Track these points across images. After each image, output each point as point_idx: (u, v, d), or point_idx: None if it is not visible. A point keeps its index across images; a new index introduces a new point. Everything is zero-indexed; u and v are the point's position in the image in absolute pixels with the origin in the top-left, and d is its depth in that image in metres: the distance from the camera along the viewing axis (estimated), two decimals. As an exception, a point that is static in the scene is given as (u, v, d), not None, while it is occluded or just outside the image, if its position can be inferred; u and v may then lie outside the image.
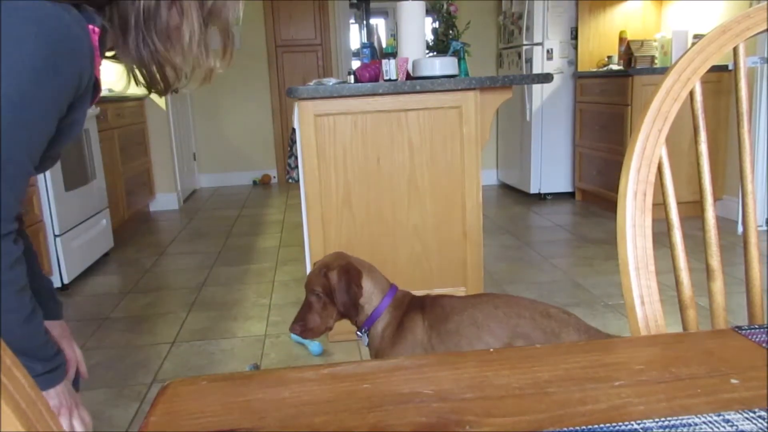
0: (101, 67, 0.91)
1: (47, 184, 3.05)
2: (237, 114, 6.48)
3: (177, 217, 5.06)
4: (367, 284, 1.60)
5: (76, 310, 2.97)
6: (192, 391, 0.55)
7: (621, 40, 4.75)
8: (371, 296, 1.60)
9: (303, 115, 2.31)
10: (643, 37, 4.69)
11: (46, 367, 0.87)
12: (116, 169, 4.24)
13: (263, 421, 0.50)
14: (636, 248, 0.75)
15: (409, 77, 2.49)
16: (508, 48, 5.39)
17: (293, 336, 2.48)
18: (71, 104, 0.82)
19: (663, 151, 0.78)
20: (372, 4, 6.73)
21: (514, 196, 5.36)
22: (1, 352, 0.35)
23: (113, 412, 2.00)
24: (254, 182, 6.58)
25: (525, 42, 4.98)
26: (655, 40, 4.56)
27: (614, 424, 0.47)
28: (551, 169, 5.10)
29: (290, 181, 2.54)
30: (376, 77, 2.50)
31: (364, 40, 6.66)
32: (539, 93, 4.99)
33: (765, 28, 0.79)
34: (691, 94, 0.80)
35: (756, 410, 0.48)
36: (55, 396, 0.90)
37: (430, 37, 3.18)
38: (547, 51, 4.89)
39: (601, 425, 0.47)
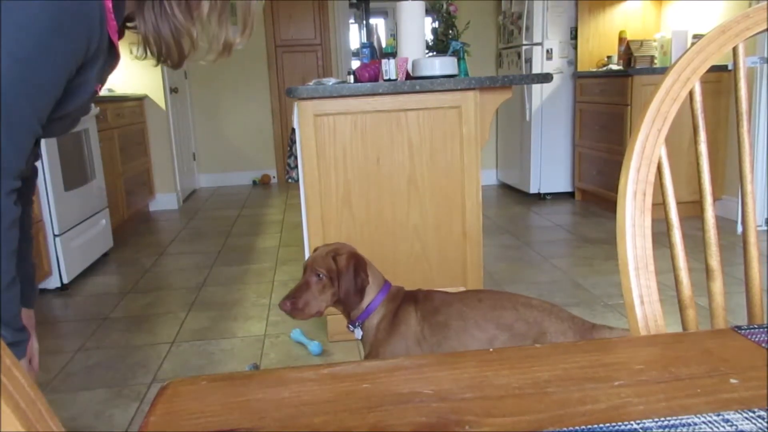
0: (121, 37, 0.91)
1: (47, 183, 3.05)
2: (237, 114, 6.48)
3: (177, 217, 5.05)
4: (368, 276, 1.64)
5: (75, 310, 2.97)
6: (191, 391, 0.55)
7: (620, 40, 4.75)
8: (369, 289, 1.63)
9: (303, 115, 2.31)
10: (642, 37, 4.69)
11: (15, 337, 0.87)
12: (116, 168, 4.24)
13: (263, 421, 0.50)
14: (635, 248, 0.75)
15: (408, 77, 2.49)
16: (508, 48, 5.39)
17: (293, 336, 2.47)
18: (80, 66, 0.81)
19: (663, 151, 0.78)
20: (372, 4, 6.73)
21: (513, 196, 5.36)
22: (1, 352, 0.35)
23: (113, 412, 2.00)
24: (254, 182, 6.58)
25: (525, 42, 4.98)
26: (654, 40, 4.56)
27: (614, 423, 0.47)
28: (551, 169, 5.11)
29: (290, 181, 2.54)
30: (375, 77, 2.50)
31: (364, 40, 6.66)
32: (539, 93, 4.99)
33: (764, 28, 0.79)
34: (691, 94, 0.80)
35: (755, 410, 0.48)
36: None
37: (429, 37, 3.18)
38: (547, 51, 4.89)
39: (601, 425, 0.47)
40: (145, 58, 0.93)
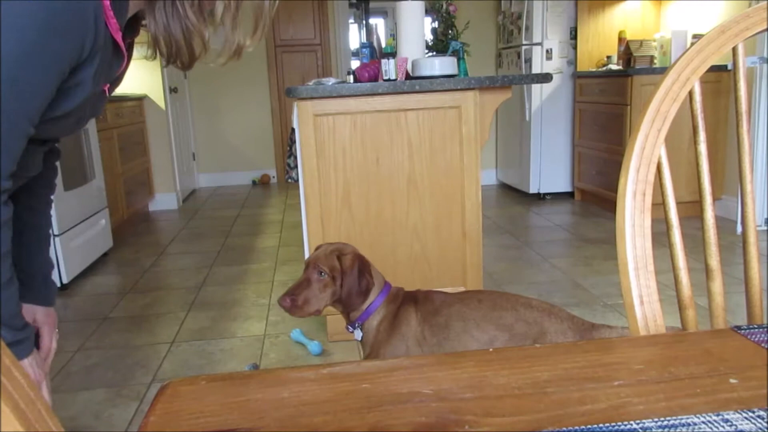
0: (133, 37, 0.89)
1: (46, 183, 3.05)
2: (236, 114, 6.48)
3: (176, 217, 5.05)
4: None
5: (75, 310, 2.97)
6: (191, 391, 0.55)
7: (620, 40, 4.75)
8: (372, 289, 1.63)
9: (302, 115, 2.30)
10: (642, 37, 4.70)
11: (15, 336, 0.86)
12: (115, 168, 4.24)
13: (262, 421, 0.50)
14: (635, 248, 0.75)
15: (408, 77, 2.49)
16: (508, 48, 5.39)
17: (293, 336, 2.47)
18: (74, 67, 0.80)
19: (662, 151, 0.78)
20: (371, 4, 6.74)
21: (513, 196, 5.36)
22: (1, 353, 0.35)
23: (112, 412, 2.00)
24: (253, 182, 6.58)
25: (524, 42, 4.98)
26: (654, 40, 4.56)
27: (613, 423, 0.47)
28: (550, 169, 5.11)
29: (289, 180, 2.54)
30: (375, 77, 2.50)
31: (364, 39, 6.67)
32: (538, 93, 4.99)
33: (764, 27, 0.79)
34: (691, 94, 0.80)
35: (755, 410, 0.48)
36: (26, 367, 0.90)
37: (429, 36, 3.18)
38: (547, 51, 4.89)
39: (600, 425, 0.47)
40: (155, 58, 0.92)
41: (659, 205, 0.83)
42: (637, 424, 0.47)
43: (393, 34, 2.95)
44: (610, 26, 4.91)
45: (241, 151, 6.55)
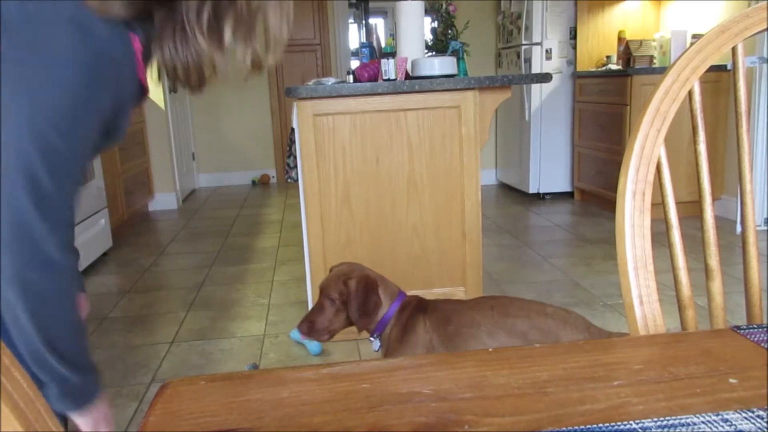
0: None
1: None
2: (236, 114, 6.48)
3: (176, 217, 5.05)
4: (381, 294, 1.66)
5: (74, 309, 2.97)
6: (191, 391, 0.55)
7: (620, 39, 4.76)
8: (383, 304, 1.66)
9: (302, 115, 2.30)
10: (641, 37, 4.70)
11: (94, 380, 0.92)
12: (115, 168, 4.24)
13: (262, 420, 0.50)
14: (635, 248, 0.75)
15: (408, 77, 2.49)
16: (507, 48, 5.39)
17: (292, 335, 2.47)
18: (114, 112, 0.82)
19: (662, 151, 0.78)
20: (371, 4, 6.74)
21: (513, 196, 5.36)
22: (1, 353, 0.35)
23: (112, 412, 2.00)
24: (253, 182, 6.57)
25: (524, 42, 4.98)
26: (653, 40, 4.56)
27: (613, 423, 0.47)
28: (550, 169, 5.11)
29: (289, 180, 2.54)
30: (375, 77, 2.50)
31: (363, 39, 6.67)
32: (538, 93, 4.99)
33: (764, 27, 0.79)
34: (690, 93, 0.80)
35: (755, 410, 0.48)
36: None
37: (429, 36, 3.18)
38: (546, 51, 4.89)
39: (600, 425, 0.47)
40: (176, 91, 0.93)
41: (659, 205, 0.83)
42: (637, 424, 0.47)
43: (393, 34, 2.95)
44: (609, 26, 4.91)
45: (240, 151, 6.55)
